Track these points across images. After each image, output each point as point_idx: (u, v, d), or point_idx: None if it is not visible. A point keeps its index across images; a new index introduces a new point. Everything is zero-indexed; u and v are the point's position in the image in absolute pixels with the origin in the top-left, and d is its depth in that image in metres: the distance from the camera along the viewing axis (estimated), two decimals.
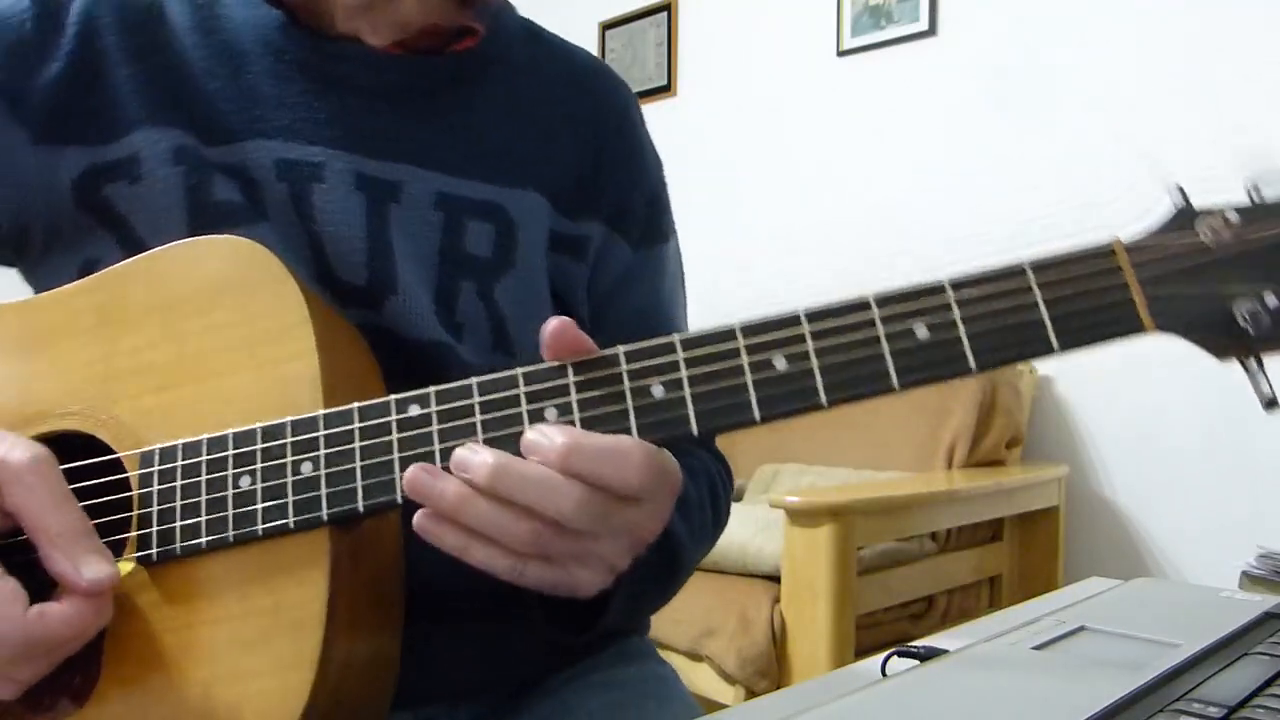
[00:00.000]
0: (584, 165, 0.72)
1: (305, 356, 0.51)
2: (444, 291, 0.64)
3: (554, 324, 0.47)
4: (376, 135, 0.65)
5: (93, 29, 0.63)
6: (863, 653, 1.71)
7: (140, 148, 0.61)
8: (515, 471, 0.45)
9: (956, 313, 0.45)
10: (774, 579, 1.77)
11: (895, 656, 0.51)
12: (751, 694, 1.71)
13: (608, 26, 3.38)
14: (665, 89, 3.19)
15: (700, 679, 1.78)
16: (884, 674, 0.50)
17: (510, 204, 0.67)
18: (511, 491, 0.45)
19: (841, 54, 2.75)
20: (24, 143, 0.62)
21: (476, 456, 0.46)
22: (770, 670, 1.71)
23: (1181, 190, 0.45)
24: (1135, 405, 2.22)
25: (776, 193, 2.87)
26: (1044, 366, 2.37)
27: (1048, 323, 0.44)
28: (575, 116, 0.73)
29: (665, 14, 3.22)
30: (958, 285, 0.45)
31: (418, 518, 0.46)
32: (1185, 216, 0.45)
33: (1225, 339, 0.44)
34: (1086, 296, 0.44)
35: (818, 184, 2.80)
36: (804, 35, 2.83)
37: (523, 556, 0.47)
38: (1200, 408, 2.11)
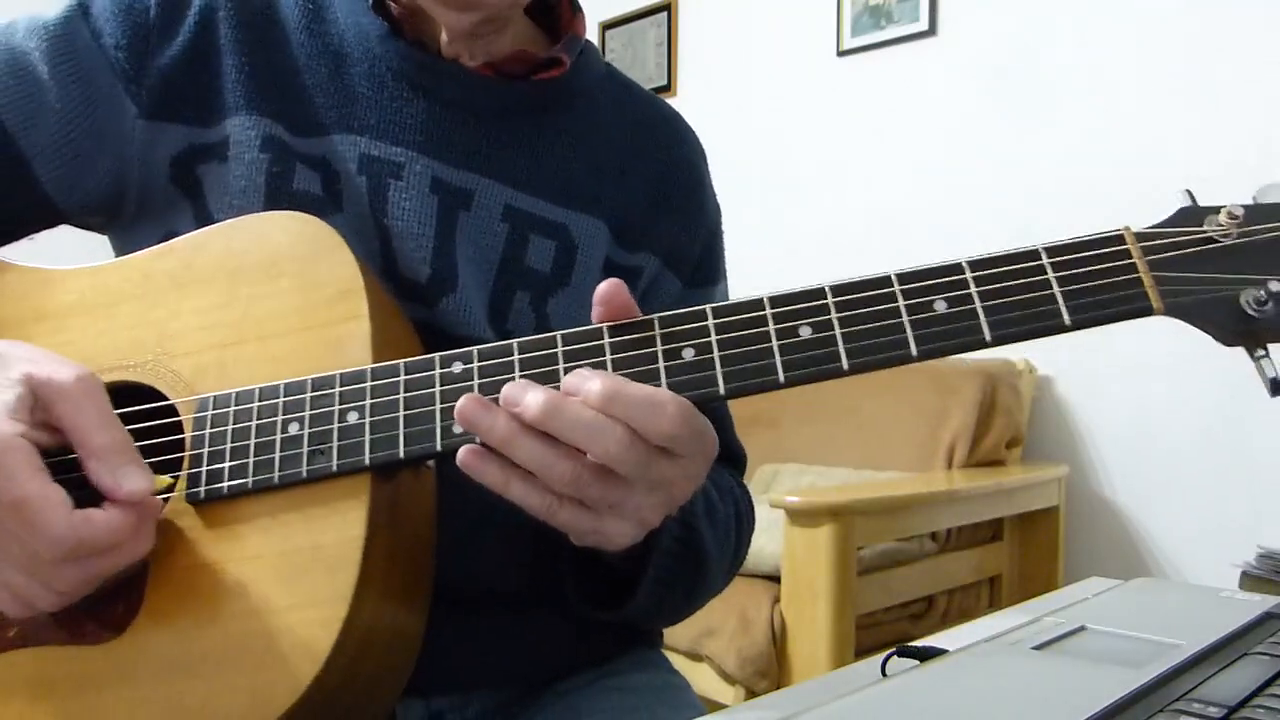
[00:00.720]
0: (647, 202, 0.75)
1: (359, 319, 0.55)
2: (498, 298, 0.67)
3: (607, 284, 0.50)
4: (457, 146, 0.68)
5: (211, 20, 0.67)
6: (863, 653, 1.72)
7: (233, 132, 0.66)
8: (565, 410, 0.47)
9: (974, 289, 0.47)
10: (774, 579, 1.77)
11: (895, 656, 0.51)
12: (751, 694, 1.71)
13: (608, 26, 3.38)
14: (665, 89, 3.19)
15: (700, 679, 1.78)
16: (884, 674, 0.50)
17: (574, 226, 0.71)
18: (560, 429, 0.47)
19: (841, 54, 2.75)
20: (133, 117, 0.66)
21: (527, 393, 0.47)
22: (770, 670, 1.71)
23: (1190, 194, 0.48)
24: (1135, 405, 2.22)
25: (776, 192, 2.87)
26: (1044, 366, 2.37)
27: (1060, 300, 0.46)
28: (645, 157, 0.76)
29: (665, 14, 3.22)
30: (975, 265, 0.48)
31: (463, 453, 0.48)
32: (1193, 212, 0.47)
33: (1231, 325, 0.45)
34: (1098, 276, 0.46)
35: (817, 184, 2.80)
36: (804, 35, 2.83)
37: (559, 496, 0.48)
38: (1200, 408, 2.11)
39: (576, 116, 0.74)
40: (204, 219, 0.65)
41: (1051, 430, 2.37)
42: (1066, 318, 0.46)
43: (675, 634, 1.76)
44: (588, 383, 0.47)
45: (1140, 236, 0.47)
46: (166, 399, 0.57)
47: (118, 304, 0.60)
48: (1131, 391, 2.21)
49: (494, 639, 0.66)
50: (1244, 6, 2.07)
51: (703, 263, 0.78)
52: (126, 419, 0.53)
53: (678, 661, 1.75)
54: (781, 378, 0.48)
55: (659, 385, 0.49)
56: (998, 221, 2.40)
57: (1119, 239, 0.47)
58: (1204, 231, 0.46)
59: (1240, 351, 0.46)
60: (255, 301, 0.57)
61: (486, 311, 0.67)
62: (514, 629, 0.67)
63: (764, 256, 2.79)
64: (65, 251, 0.71)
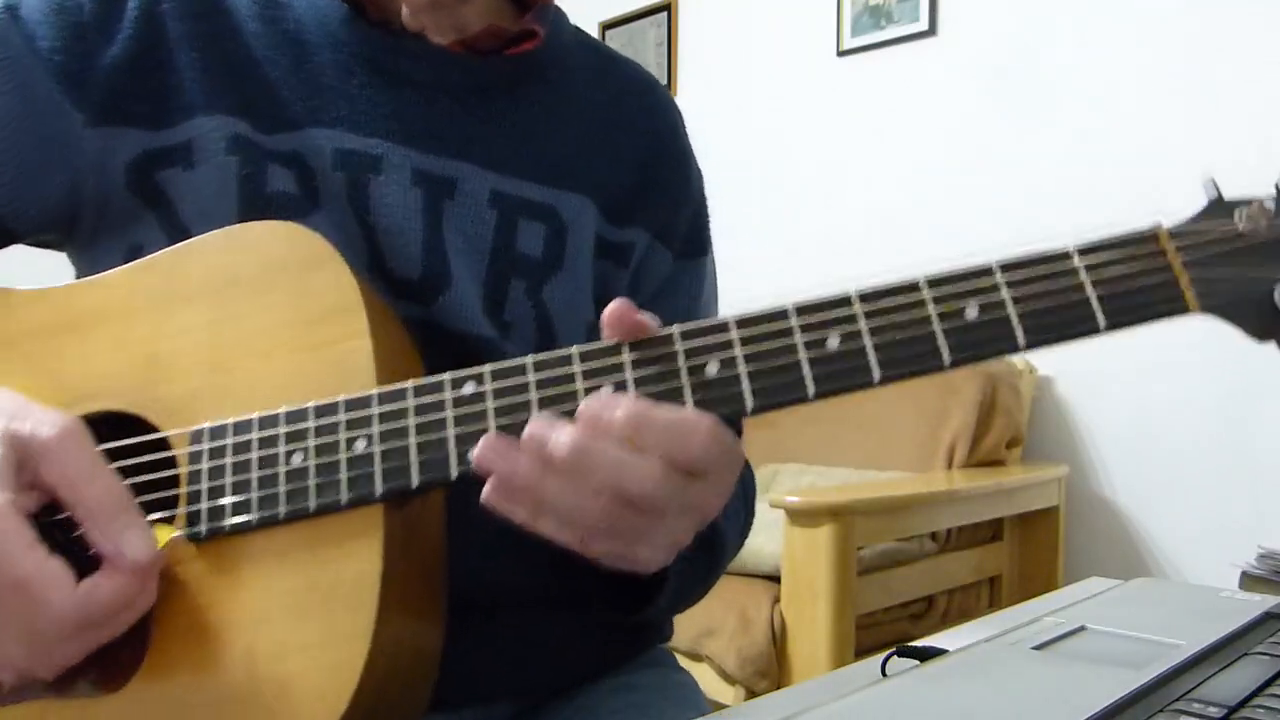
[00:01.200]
0: (634, 176, 0.72)
1: (360, 337, 0.52)
2: (494, 289, 0.65)
3: (615, 306, 0.47)
4: (435, 131, 0.65)
5: (154, 13, 0.63)
6: (863, 653, 1.71)
7: (196, 135, 0.62)
8: (594, 452, 0.44)
9: (1005, 293, 0.46)
10: (774, 579, 1.77)
11: (895, 656, 0.51)
12: (751, 694, 1.71)
13: (608, 26, 3.38)
14: (665, 89, 3.19)
15: (700, 679, 1.77)
16: (884, 674, 0.50)
17: (562, 206, 0.68)
18: (591, 471, 0.44)
19: (841, 54, 2.75)
20: (80, 125, 0.61)
21: (554, 433, 0.45)
22: (770, 670, 1.71)
23: (1214, 183, 0.46)
24: (1135, 405, 2.22)
25: (776, 192, 2.87)
26: (1044, 366, 2.37)
27: (1094, 302, 0.45)
28: (628, 127, 0.74)
29: (665, 14, 3.22)
30: (1006, 267, 0.46)
31: (488, 491, 0.46)
32: (1222, 206, 0.46)
33: (1266, 320, 0.45)
34: (1131, 278, 0.45)
35: (817, 184, 2.80)
36: (804, 35, 2.83)
37: (591, 531, 0.46)
38: (1200, 408, 2.11)
39: (553, 89, 0.71)
40: (174, 229, 0.61)
41: (1051, 430, 2.37)
42: (1101, 320, 0.45)
43: (675, 634, 1.75)
44: (612, 411, 0.45)
45: (1173, 234, 0.45)
46: (156, 429, 0.53)
47: (96, 326, 0.56)
48: (1131, 391, 2.21)
49: (512, 645, 0.64)
50: (1244, 6, 2.07)
51: (691, 234, 0.76)
52: (116, 455, 0.51)
53: (678, 661, 1.75)
54: (811, 392, 0.46)
55: (683, 403, 0.47)
56: (997, 221, 2.40)
57: (1153, 237, 0.45)
58: (1236, 226, 0.45)
59: (1242, 352, 0.46)
60: (246, 320, 0.54)
61: (482, 304, 0.64)
62: (532, 634, 0.65)
63: (764, 256, 2.79)
64: (13, 272, 0.65)
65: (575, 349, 0.48)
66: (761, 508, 1.92)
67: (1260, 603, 0.55)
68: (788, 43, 2.88)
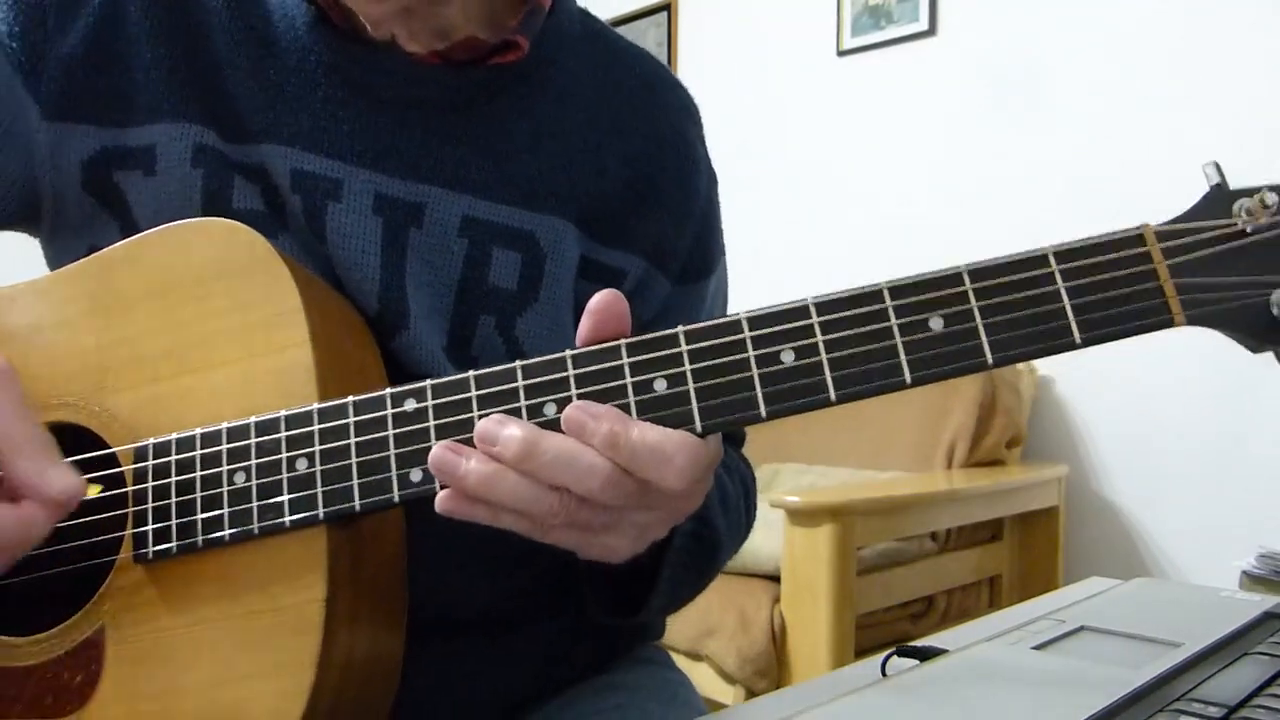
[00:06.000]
0: (628, 193, 0.66)
1: (299, 346, 0.50)
2: (460, 325, 0.61)
3: (605, 294, 0.46)
4: (402, 152, 0.60)
5: (117, 2, 0.60)
6: (863, 653, 1.72)
7: (158, 141, 0.59)
8: (545, 448, 0.43)
9: (975, 303, 0.43)
10: (774, 579, 1.77)
11: (895, 656, 0.51)
12: (751, 694, 1.71)
13: None
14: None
15: (700, 679, 1.78)
16: (884, 674, 0.50)
17: (541, 232, 0.63)
18: (540, 469, 0.44)
19: (841, 54, 2.75)
20: (37, 116, 0.59)
21: (504, 430, 0.44)
22: (770, 670, 1.71)
23: (1218, 167, 0.43)
24: (1135, 405, 2.22)
25: (776, 192, 2.87)
26: (1044, 366, 2.36)
27: (1070, 315, 0.42)
28: (626, 133, 0.67)
29: (665, 14, 3.22)
30: (976, 274, 0.43)
31: (441, 498, 0.45)
32: (1221, 198, 0.42)
33: (1261, 330, 0.41)
34: (1112, 286, 0.42)
35: (817, 183, 2.80)
36: (804, 35, 2.83)
37: (550, 524, 0.45)
38: (1200, 408, 2.11)
39: (542, 92, 0.64)
40: (133, 233, 0.58)
41: (1051, 430, 2.37)
42: (1076, 335, 0.42)
43: (675, 634, 1.76)
44: (591, 421, 0.44)
45: (1161, 235, 0.42)
46: (105, 442, 0.52)
47: (41, 332, 0.55)
48: (1131, 391, 2.21)
49: (483, 663, 0.63)
50: (1244, 6, 2.07)
51: (694, 255, 0.70)
52: None
53: (677, 661, 1.75)
54: (763, 412, 0.44)
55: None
56: (997, 221, 2.41)
57: (1138, 239, 0.42)
58: (1232, 224, 0.41)
59: (1243, 352, 0.44)
60: (186, 327, 0.52)
61: (446, 340, 0.60)
62: (514, 647, 0.64)
63: (763, 256, 2.79)
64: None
65: (519, 364, 0.47)
66: (761, 507, 1.91)
67: (1260, 603, 0.55)
68: (788, 43, 2.88)
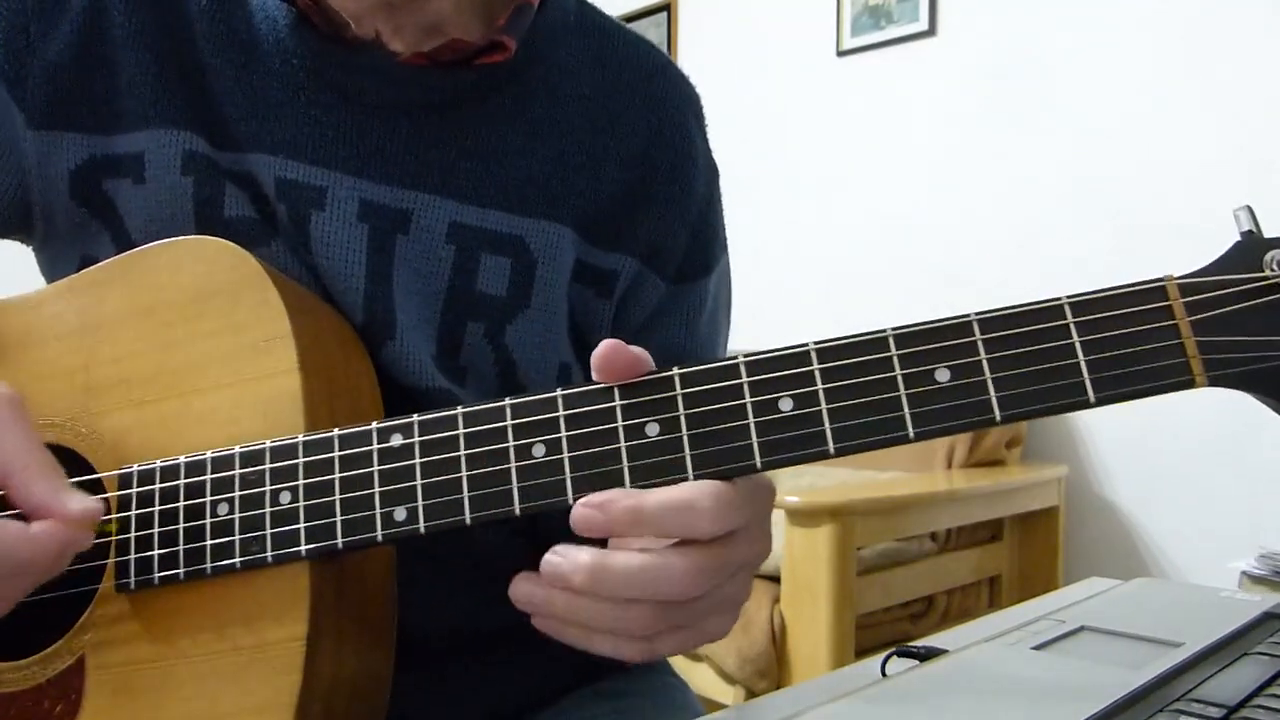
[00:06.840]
0: (624, 195, 0.64)
1: (287, 373, 0.49)
2: (448, 333, 0.59)
3: (605, 348, 0.44)
4: (388, 157, 0.59)
5: (100, 7, 0.59)
6: (863, 653, 1.72)
7: (146, 148, 0.58)
8: (613, 569, 0.41)
9: (984, 355, 0.41)
10: (774, 579, 1.77)
11: (895, 656, 0.51)
12: (751, 694, 1.71)
13: None
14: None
15: (700, 679, 1.78)
16: (884, 674, 0.50)
17: (532, 237, 0.61)
18: (615, 590, 0.41)
19: (841, 54, 2.75)
20: (22, 125, 0.58)
21: (567, 562, 0.42)
22: (770, 670, 1.71)
23: (1251, 212, 0.41)
24: (1135, 406, 2.21)
25: (776, 192, 2.87)
26: None
27: (1085, 372, 0.40)
28: (622, 132, 0.65)
29: (665, 14, 3.22)
30: (987, 324, 0.41)
31: (537, 623, 0.44)
32: (1252, 246, 0.40)
33: None
34: (1130, 342, 0.40)
35: (817, 184, 2.80)
36: (804, 35, 2.83)
37: (649, 637, 0.43)
38: (1200, 408, 2.10)
39: (534, 91, 0.62)
40: (125, 243, 0.57)
41: (1051, 430, 2.37)
42: (1091, 394, 0.40)
43: None
44: (603, 511, 0.41)
45: (1185, 289, 0.39)
46: (91, 466, 0.51)
47: (29, 349, 0.54)
48: None
49: (476, 680, 0.62)
50: (1245, 6, 2.07)
51: (691, 254, 0.68)
52: None
53: (677, 662, 1.75)
54: (759, 462, 0.42)
55: (620, 468, 0.43)
56: (996, 221, 2.41)
57: (1160, 291, 0.40)
58: (1264, 276, 0.39)
59: None
60: (175, 349, 0.51)
61: (435, 349, 0.59)
62: (498, 667, 0.63)
63: (763, 256, 2.80)
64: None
65: (508, 402, 0.45)
66: None
67: (1260, 603, 0.55)
68: (787, 43, 2.88)
